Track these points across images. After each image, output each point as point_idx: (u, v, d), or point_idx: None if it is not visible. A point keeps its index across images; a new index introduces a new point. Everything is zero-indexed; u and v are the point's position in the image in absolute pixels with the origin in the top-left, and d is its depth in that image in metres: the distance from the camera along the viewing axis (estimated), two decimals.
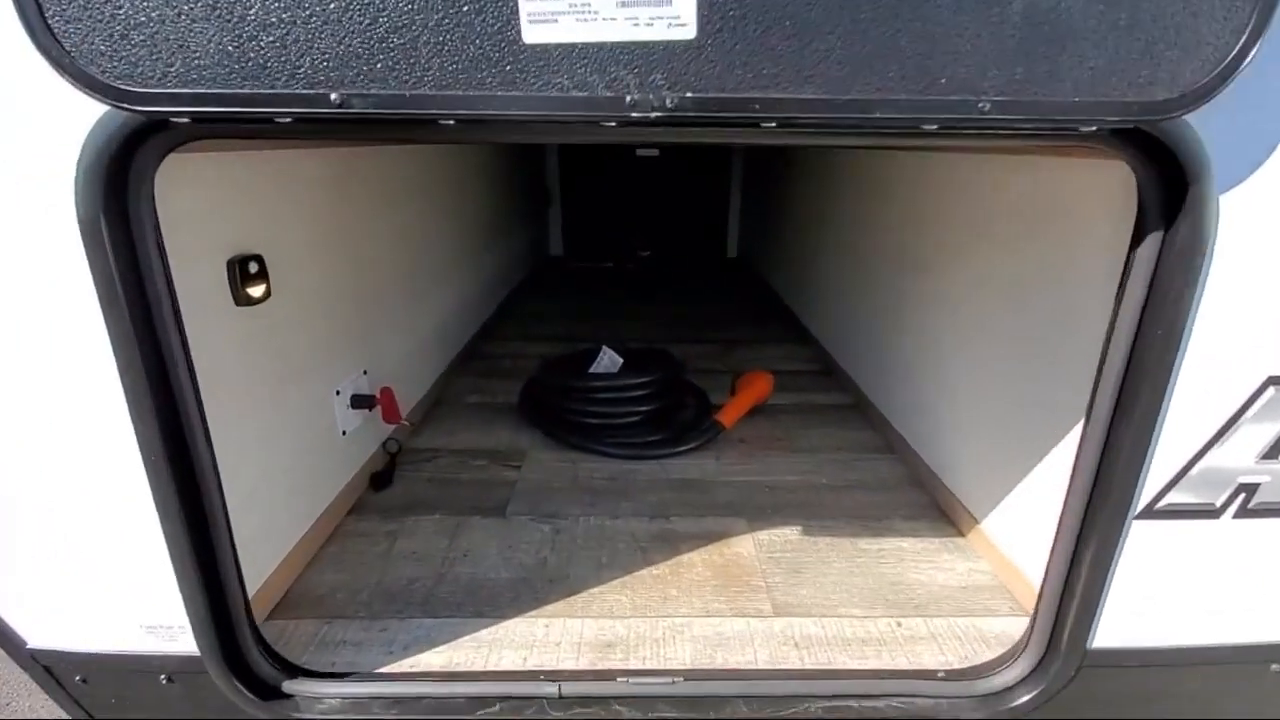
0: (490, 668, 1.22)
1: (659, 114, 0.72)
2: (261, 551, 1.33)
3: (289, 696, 1.14)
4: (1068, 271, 1.28)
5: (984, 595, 1.43)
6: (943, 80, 0.71)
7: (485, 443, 2.08)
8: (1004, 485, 1.47)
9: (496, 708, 1.14)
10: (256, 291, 1.28)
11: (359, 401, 1.71)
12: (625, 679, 1.15)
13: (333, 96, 0.72)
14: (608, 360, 2.22)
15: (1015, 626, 1.33)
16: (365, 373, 1.78)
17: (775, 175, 3.99)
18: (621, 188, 5.08)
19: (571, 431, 2.05)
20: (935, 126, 0.75)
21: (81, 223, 0.83)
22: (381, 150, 1.91)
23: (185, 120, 0.77)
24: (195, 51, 0.72)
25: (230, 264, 1.23)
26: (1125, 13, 0.69)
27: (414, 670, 1.21)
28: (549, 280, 4.47)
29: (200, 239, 1.16)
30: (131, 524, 1.00)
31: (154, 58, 0.72)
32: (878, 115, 0.72)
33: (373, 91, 0.72)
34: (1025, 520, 1.40)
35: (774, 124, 0.75)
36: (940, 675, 1.19)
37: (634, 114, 0.72)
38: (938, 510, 1.73)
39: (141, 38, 0.72)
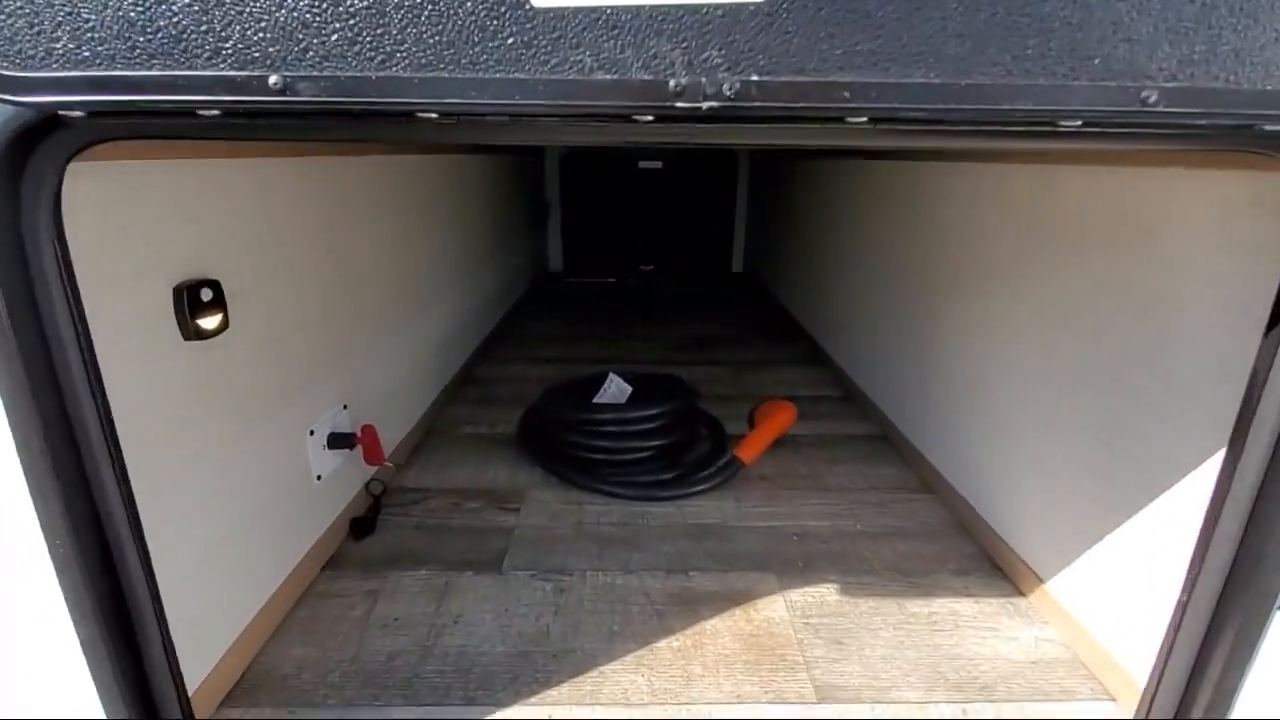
0: None
1: (714, 104, 0.53)
2: (213, 631, 1.13)
3: None
4: (1158, 299, 1.09)
5: (1058, 673, 1.23)
6: (1096, 60, 0.53)
7: (480, 480, 1.88)
8: (1077, 539, 1.28)
9: None
10: (210, 323, 1.08)
11: (337, 441, 1.51)
12: None
13: (272, 80, 0.53)
14: (614, 388, 2.03)
15: (1100, 712, 1.14)
16: (345, 407, 1.59)
17: (785, 186, 3.82)
18: (623, 200, 4.91)
19: (575, 469, 1.85)
20: (1079, 123, 0.56)
21: None
22: (364, 155, 1.72)
23: (80, 114, 0.58)
24: (87, 21, 0.53)
25: (177, 291, 1.03)
26: None
27: None
28: (549, 297, 4.29)
29: (136, 262, 0.96)
30: (34, 615, 0.80)
31: (33, 30, 0.54)
32: (1007, 107, 0.53)
33: (327, 73, 0.53)
34: (1106, 582, 1.21)
35: (865, 119, 0.56)
36: None
37: (679, 104, 0.53)
38: (990, 564, 1.54)
39: (14, 4, 0.53)
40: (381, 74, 0.53)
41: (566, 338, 3.34)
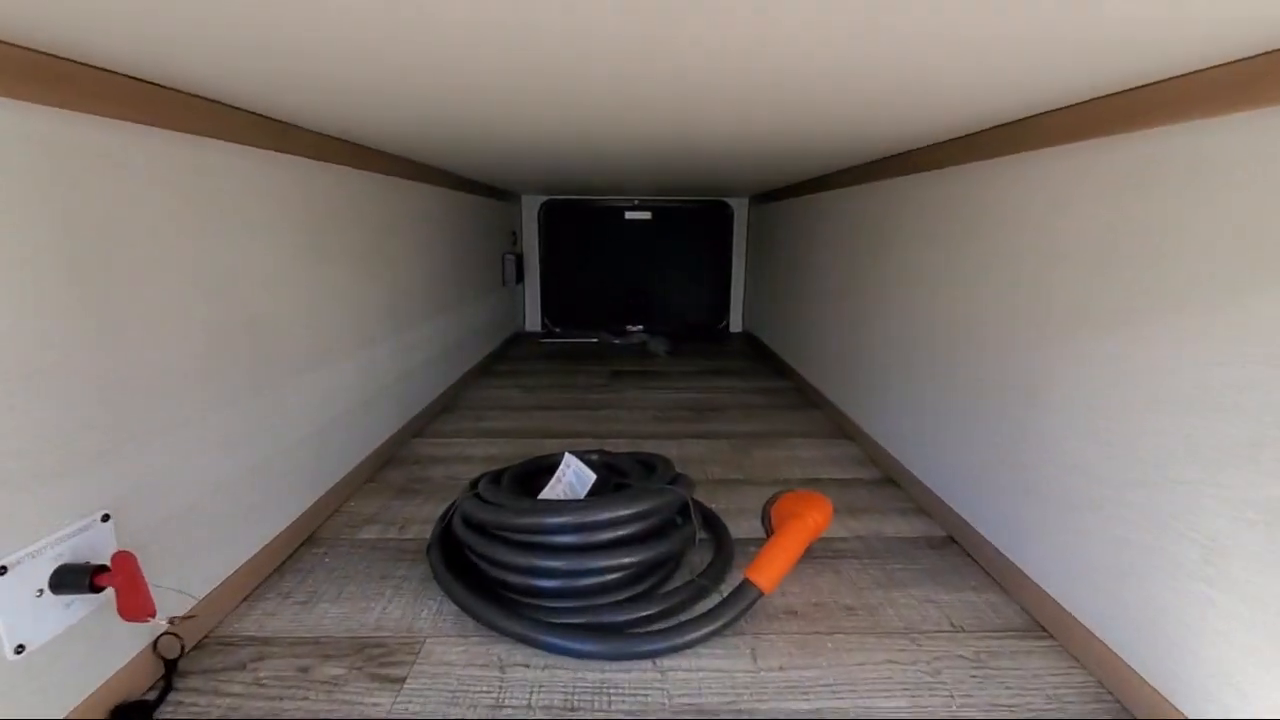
0: None
1: None
2: None
3: None
4: None
5: None
6: None
7: (358, 623, 1.23)
8: None
9: None
10: None
11: (69, 580, 0.88)
12: None
13: None
14: (571, 477, 1.41)
15: None
16: (107, 518, 0.96)
17: (788, 237, 3.32)
18: (608, 254, 4.43)
19: (500, 605, 1.21)
20: None
21: None
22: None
23: None
24: None
25: None
26: None
27: None
28: (520, 355, 3.70)
29: None
30: None
31: None
32: None
33: None
34: None
35: None
36: None
37: None
38: None
39: None
40: None
41: (530, 406, 2.73)
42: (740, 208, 4.38)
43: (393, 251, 2.13)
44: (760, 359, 3.70)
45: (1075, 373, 1.16)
